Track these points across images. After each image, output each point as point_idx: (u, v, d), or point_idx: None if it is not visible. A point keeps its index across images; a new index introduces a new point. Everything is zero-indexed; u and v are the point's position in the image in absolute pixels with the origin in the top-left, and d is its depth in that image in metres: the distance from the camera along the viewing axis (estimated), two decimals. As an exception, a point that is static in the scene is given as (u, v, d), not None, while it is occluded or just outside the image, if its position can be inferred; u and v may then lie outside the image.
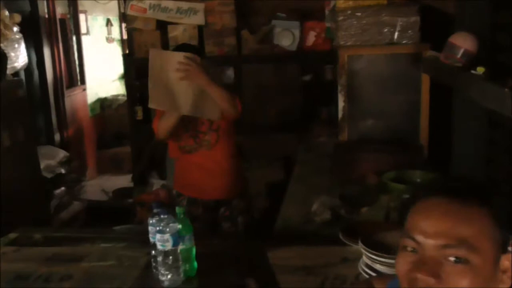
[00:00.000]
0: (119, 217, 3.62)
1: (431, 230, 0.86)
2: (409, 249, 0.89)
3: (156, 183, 4.33)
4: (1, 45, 3.80)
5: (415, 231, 0.88)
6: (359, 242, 1.61)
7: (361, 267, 1.61)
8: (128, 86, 4.40)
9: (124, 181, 5.30)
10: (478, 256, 0.83)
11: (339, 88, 2.91)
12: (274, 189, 3.61)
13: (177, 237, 1.60)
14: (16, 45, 4.05)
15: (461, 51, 2.11)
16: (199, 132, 2.51)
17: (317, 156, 3.11)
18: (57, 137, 5.01)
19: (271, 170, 3.89)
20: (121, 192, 5.01)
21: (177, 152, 2.57)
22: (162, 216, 1.61)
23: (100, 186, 5.39)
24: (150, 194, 4.04)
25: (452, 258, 0.84)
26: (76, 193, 4.88)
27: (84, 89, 5.84)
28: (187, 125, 2.49)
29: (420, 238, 0.87)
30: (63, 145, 5.02)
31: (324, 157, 2.96)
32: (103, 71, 6.48)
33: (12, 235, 2.07)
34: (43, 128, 4.89)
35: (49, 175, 4.15)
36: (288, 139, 3.92)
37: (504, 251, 0.88)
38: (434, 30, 2.77)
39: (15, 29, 4.00)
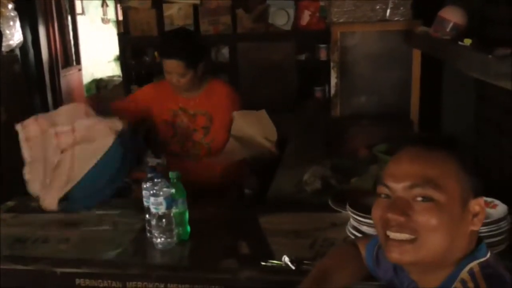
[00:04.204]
0: (115, 195, 3.65)
1: (400, 174, 0.94)
2: (382, 196, 0.97)
3: (151, 161, 4.37)
4: (-4, 22, 3.81)
5: (387, 177, 0.96)
6: (347, 205, 1.67)
7: (349, 229, 1.66)
8: (123, 65, 4.42)
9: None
10: (443, 195, 0.90)
11: (332, 64, 2.95)
12: (269, 166, 3.65)
13: (171, 201, 1.64)
14: (11, 23, 4.06)
15: (450, 24, 2.15)
16: (189, 140, 2.33)
17: (310, 132, 3.16)
18: (53, 116, 5.03)
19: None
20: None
21: (162, 148, 2.39)
22: (156, 180, 1.65)
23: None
24: (145, 172, 4.08)
25: (419, 198, 0.91)
26: (72, 172, 4.91)
27: (80, 69, 5.85)
28: (177, 128, 2.32)
29: (390, 183, 0.94)
30: (59, 124, 5.03)
31: (317, 133, 3.00)
32: (98, 52, 6.48)
33: (10, 203, 2.12)
34: (39, 107, 4.90)
35: (45, 153, 4.17)
36: (283, 117, 3.94)
37: (476, 196, 0.94)
38: (427, 7, 2.80)
39: (10, 6, 4.01)
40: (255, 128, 2.22)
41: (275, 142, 2.23)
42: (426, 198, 0.91)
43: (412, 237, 0.91)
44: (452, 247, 0.92)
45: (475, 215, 0.94)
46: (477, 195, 0.94)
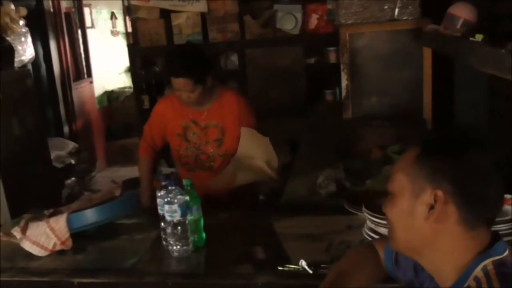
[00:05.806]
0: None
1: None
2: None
3: (165, 171, 4.39)
4: (8, 38, 3.86)
5: None
6: (363, 207, 1.65)
7: (365, 231, 1.64)
8: (134, 75, 4.45)
9: (133, 171, 5.34)
10: (396, 188, 1.00)
11: (342, 66, 2.93)
12: (282, 171, 3.64)
13: (185, 208, 1.64)
14: (23, 39, 4.11)
15: (461, 21, 2.12)
16: (202, 153, 2.31)
17: (322, 135, 3.14)
18: (65, 129, 5.08)
19: (278, 153, 3.91)
20: (131, 182, 5.06)
21: (177, 161, 2.41)
22: (170, 188, 1.65)
23: (109, 177, 5.46)
24: (159, 181, 4.09)
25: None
26: (87, 183, 4.95)
27: (91, 82, 5.90)
28: (189, 139, 2.30)
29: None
30: (72, 137, 5.08)
31: (329, 136, 2.99)
32: (109, 64, 6.53)
33: (26, 216, 2.12)
34: (52, 120, 4.96)
35: (59, 166, 4.22)
36: (293, 122, 3.94)
37: (436, 187, 0.94)
38: (435, 5, 2.78)
39: (21, 22, 4.06)
40: (259, 150, 2.20)
41: (276, 169, 2.20)
42: (389, 192, 1.03)
43: (390, 227, 1.05)
44: (415, 237, 0.98)
45: (431, 207, 0.94)
46: (437, 185, 0.93)
